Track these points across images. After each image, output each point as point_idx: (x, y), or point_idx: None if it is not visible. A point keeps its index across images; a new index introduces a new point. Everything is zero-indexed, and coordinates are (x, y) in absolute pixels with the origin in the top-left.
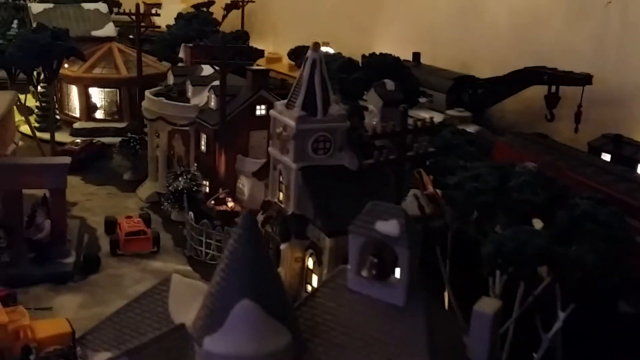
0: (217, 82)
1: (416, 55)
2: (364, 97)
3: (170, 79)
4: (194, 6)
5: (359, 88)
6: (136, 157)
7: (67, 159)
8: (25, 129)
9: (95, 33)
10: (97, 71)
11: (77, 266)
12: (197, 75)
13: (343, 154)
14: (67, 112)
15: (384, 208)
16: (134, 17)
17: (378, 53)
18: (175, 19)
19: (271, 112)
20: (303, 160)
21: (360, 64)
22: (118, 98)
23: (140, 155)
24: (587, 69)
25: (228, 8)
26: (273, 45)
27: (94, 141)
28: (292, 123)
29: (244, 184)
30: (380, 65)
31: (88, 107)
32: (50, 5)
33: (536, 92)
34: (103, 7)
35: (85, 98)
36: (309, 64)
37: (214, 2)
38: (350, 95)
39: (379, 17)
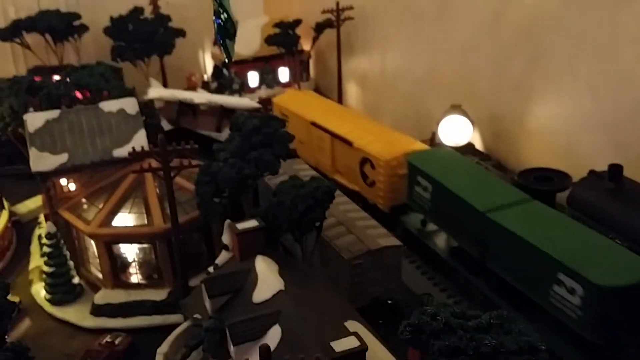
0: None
1: (615, 171)
2: None
3: (206, 302)
4: (277, 25)
5: None
6: None
7: None
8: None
9: (118, 153)
10: (121, 219)
11: None
12: (249, 292)
13: None
14: (88, 268)
15: None
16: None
17: None
18: (231, 129)
19: None
20: None
21: None
22: (154, 255)
23: None
24: None
25: (319, 28)
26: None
27: (117, 342)
28: None
29: None
30: None
31: (113, 269)
32: (55, 113)
33: None
34: (131, 105)
35: (107, 258)
36: None
37: (300, 21)
38: None
39: (540, 67)
